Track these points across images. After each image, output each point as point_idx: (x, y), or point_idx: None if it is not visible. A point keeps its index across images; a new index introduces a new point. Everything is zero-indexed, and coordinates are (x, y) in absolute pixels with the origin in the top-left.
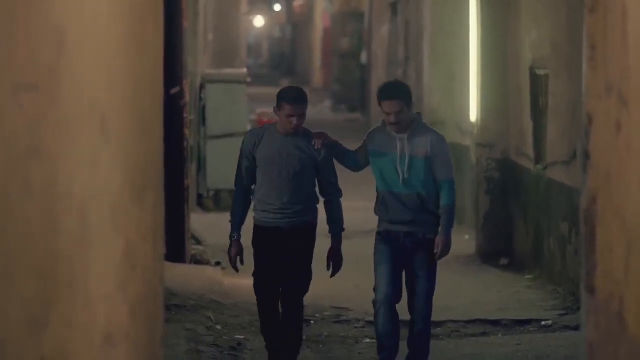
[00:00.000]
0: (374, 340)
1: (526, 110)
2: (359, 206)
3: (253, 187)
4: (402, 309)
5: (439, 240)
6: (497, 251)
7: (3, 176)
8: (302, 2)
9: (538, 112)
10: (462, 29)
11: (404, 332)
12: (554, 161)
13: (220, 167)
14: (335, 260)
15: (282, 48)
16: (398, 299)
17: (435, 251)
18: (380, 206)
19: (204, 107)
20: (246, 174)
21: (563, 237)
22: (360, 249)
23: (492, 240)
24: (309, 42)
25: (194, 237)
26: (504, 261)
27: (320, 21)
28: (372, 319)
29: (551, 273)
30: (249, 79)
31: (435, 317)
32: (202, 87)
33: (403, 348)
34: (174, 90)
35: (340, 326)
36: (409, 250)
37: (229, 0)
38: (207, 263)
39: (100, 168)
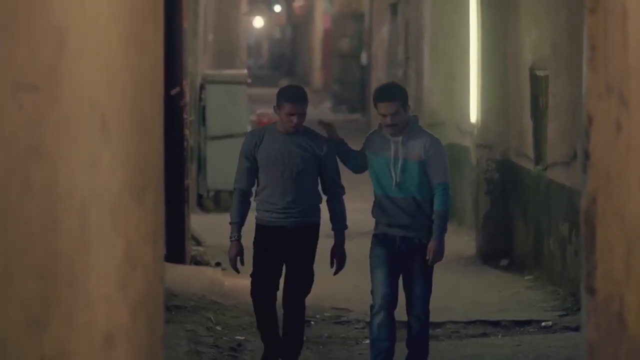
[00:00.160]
0: None
1: (526, 110)
2: (360, 207)
3: (253, 188)
4: (400, 310)
5: (431, 246)
6: (497, 252)
7: (3, 176)
8: (302, 3)
9: (538, 113)
10: (462, 29)
11: (402, 333)
12: (554, 162)
13: (221, 167)
14: (338, 257)
15: (282, 49)
16: (395, 303)
17: (427, 257)
18: (377, 209)
19: (204, 108)
20: (247, 175)
21: (563, 237)
22: (361, 250)
23: (492, 240)
24: (309, 43)
25: (194, 238)
26: (504, 262)
27: (320, 22)
28: None
29: (551, 274)
30: (249, 80)
31: (435, 317)
32: (202, 87)
33: (402, 349)
34: (174, 91)
35: (340, 327)
36: (405, 255)
37: (229, 1)
38: (207, 264)
39: (100, 168)
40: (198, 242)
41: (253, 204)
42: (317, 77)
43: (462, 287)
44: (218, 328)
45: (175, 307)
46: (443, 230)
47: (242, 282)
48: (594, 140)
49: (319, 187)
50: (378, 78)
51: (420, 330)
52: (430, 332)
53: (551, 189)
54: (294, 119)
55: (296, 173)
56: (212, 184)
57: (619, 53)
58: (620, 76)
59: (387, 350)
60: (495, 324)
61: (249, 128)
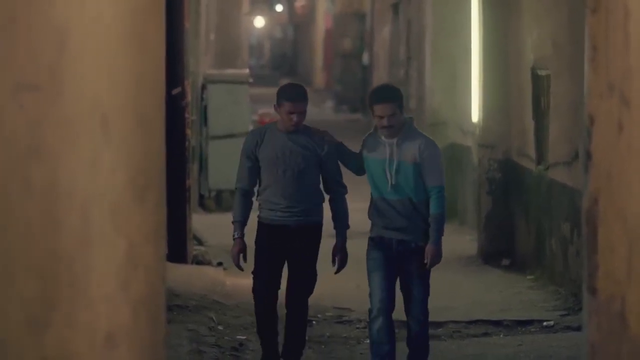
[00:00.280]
0: None
1: (528, 110)
2: (361, 207)
3: (255, 188)
4: (400, 309)
5: (428, 250)
6: (499, 251)
7: (3, 176)
8: (304, 3)
9: (539, 113)
10: (463, 29)
11: (402, 333)
12: (555, 162)
13: (222, 167)
14: (340, 257)
15: (283, 48)
16: (392, 306)
17: (425, 261)
18: (373, 211)
19: (205, 108)
20: (249, 175)
21: (565, 237)
22: (362, 250)
23: (493, 240)
24: (310, 43)
25: (195, 238)
26: (505, 261)
27: (322, 22)
28: None
29: (553, 273)
30: (250, 80)
31: (436, 317)
32: (203, 87)
33: (403, 347)
34: (175, 91)
35: (342, 326)
36: (402, 258)
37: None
38: (209, 263)
39: (101, 168)
40: (200, 242)
41: (255, 204)
42: (318, 77)
43: (463, 287)
44: (220, 328)
45: (177, 306)
46: (440, 234)
47: (243, 282)
48: (596, 140)
49: (321, 187)
50: (380, 78)
51: (420, 331)
52: (432, 331)
53: (553, 188)
54: (294, 118)
55: (297, 172)
56: (214, 184)
57: (621, 53)
58: (622, 76)
59: (388, 354)
60: (497, 323)
61: (250, 128)
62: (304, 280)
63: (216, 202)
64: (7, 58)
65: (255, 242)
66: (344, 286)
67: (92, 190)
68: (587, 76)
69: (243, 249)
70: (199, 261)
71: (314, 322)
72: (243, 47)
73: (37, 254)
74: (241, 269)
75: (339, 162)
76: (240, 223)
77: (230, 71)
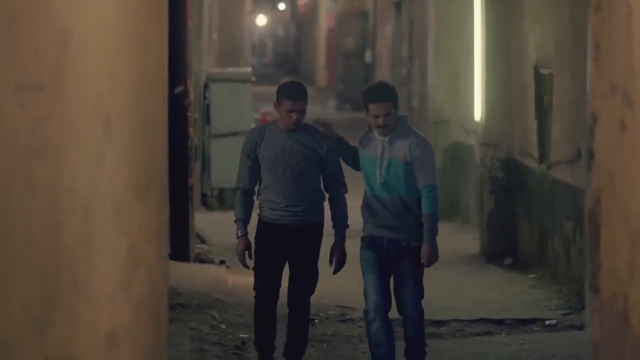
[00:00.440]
0: None
1: (530, 109)
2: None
3: (256, 187)
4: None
5: (424, 251)
6: (501, 250)
7: (5, 176)
8: (307, 2)
9: (542, 112)
10: (466, 27)
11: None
12: (558, 161)
13: (225, 166)
14: (338, 256)
15: (286, 47)
16: (389, 306)
17: (422, 261)
18: (365, 210)
19: (208, 106)
20: (249, 174)
21: (567, 236)
22: None
23: (496, 239)
24: (313, 42)
25: (198, 236)
26: (508, 260)
27: (325, 20)
28: None
29: (555, 272)
30: (253, 78)
31: (439, 316)
32: (206, 86)
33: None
34: (178, 89)
35: (344, 325)
36: (394, 258)
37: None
38: (211, 262)
39: (103, 167)
40: (202, 241)
41: (256, 203)
42: (321, 76)
43: (466, 286)
44: (222, 326)
45: (179, 305)
46: (434, 234)
47: (246, 280)
48: (598, 140)
49: (322, 186)
50: (382, 76)
51: (416, 331)
52: (435, 330)
53: (555, 188)
54: (294, 116)
55: (298, 171)
56: (216, 183)
57: (624, 52)
58: (625, 75)
59: (388, 354)
60: (499, 322)
61: (253, 126)
62: (306, 280)
63: (219, 200)
64: (9, 58)
65: (255, 241)
66: (346, 285)
67: (94, 189)
68: (589, 75)
69: (248, 247)
70: (201, 260)
71: (316, 320)
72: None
73: (39, 254)
74: (247, 266)
75: (343, 160)
76: (243, 221)
77: (232, 70)
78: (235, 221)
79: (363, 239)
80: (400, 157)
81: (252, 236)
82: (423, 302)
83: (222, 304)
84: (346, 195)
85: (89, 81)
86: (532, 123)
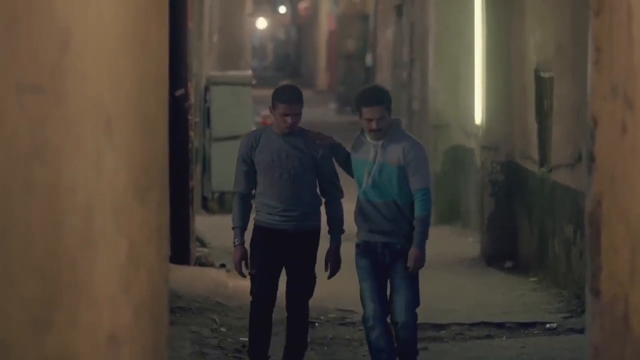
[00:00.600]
0: None
1: (531, 112)
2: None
3: (253, 191)
4: None
5: (411, 253)
6: (502, 253)
7: (6, 176)
8: (307, 4)
9: (543, 115)
10: (467, 30)
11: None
12: (558, 163)
13: (225, 169)
14: (332, 261)
15: (286, 50)
16: (387, 312)
17: (408, 265)
18: (358, 215)
19: (208, 109)
20: (245, 179)
21: (568, 239)
22: None
23: (496, 242)
24: (313, 44)
25: (198, 239)
26: (508, 263)
27: (325, 23)
28: None
29: (556, 275)
30: (253, 81)
31: (439, 319)
32: (206, 89)
33: None
34: (178, 92)
35: (344, 328)
36: (388, 262)
37: (234, 2)
38: (212, 265)
39: (104, 168)
40: (202, 244)
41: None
42: (322, 79)
43: (466, 289)
44: (222, 329)
45: (180, 308)
46: (424, 237)
47: (246, 284)
48: (599, 142)
49: (318, 190)
50: (383, 79)
51: (409, 336)
52: (435, 333)
53: (556, 190)
54: (289, 120)
55: (294, 175)
56: (217, 185)
57: (624, 54)
58: (626, 78)
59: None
60: (500, 325)
61: (253, 129)
62: (303, 285)
63: (219, 203)
64: (9, 58)
65: (252, 246)
66: (346, 288)
67: (94, 190)
68: (590, 78)
69: (245, 256)
70: (201, 263)
71: (316, 324)
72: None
73: (39, 254)
74: (243, 275)
75: (339, 165)
76: (241, 229)
77: (233, 73)
78: (232, 228)
79: (357, 245)
80: (394, 161)
81: (248, 238)
82: (423, 304)
83: (222, 308)
84: (342, 200)
85: (89, 82)
86: (533, 126)
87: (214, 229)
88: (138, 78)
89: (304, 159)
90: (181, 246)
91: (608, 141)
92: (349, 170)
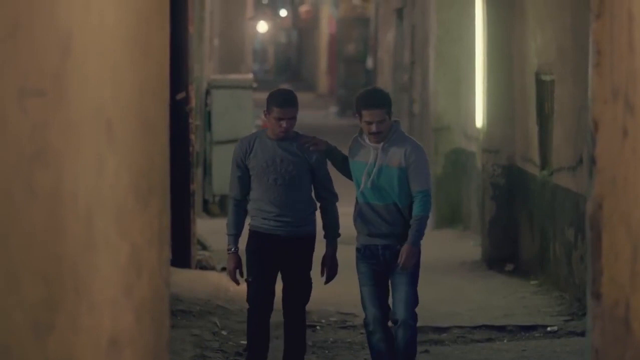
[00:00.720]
0: None
1: (532, 115)
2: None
3: (248, 196)
4: None
5: (404, 249)
6: (503, 257)
7: (8, 180)
8: (308, 8)
9: (544, 118)
10: (467, 33)
11: None
12: (559, 167)
13: (226, 172)
14: (329, 266)
15: (287, 53)
16: (387, 317)
17: (399, 261)
18: (358, 219)
19: (209, 113)
20: (240, 184)
21: (569, 242)
22: None
23: (497, 245)
24: (314, 48)
25: (199, 243)
26: (509, 267)
27: (326, 26)
28: None
29: (557, 279)
30: (254, 85)
31: (440, 322)
32: (207, 92)
33: None
34: (179, 96)
35: (346, 332)
36: (389, 262)
37: (235, 6)
38: (213, 268)
39: (105, 172)
40: (204, 247)
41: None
42: (322, 82)
43: (467, 292)
44: (223, 333)
45: (181, 311)
46: (420, 235)
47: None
48: (600, 146)
49: (313, 194)
50: (384, 82)
51: (410, 337)
52: (436, 336)
53: (557, 194)
54: (283, 124)
55: (289, 179)
56: (218, 189)
57: (625, 58)
58: (626, 81)
59: None
60: (501, 328)
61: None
62: (299, 291)
63: (220, 207)
64: (12, 63)
65: (247, 251)
66: (347, 291)
67: (95, 194)
68: (591, 81)
69: (239, 264)
70: (202, 266)
71: (318, 327)
72: (247, 52)
73: (41, 258)
74: (237, 283)
75: (336, 169)
76: (235, 236)
77: (234, 76)
78: (227, 234)
79: (358, 249)
80: (395, 164)
81: (242, 242)
82: (424, 308)
83: (223, 311)
84: (338, 204)
85: (90, 86)
86: (534, 129)
87: (215, 232)
88: (139, 82)
89: (298, 164)
90: (182, 249)
91: (609, 144)
92: (346, 173)
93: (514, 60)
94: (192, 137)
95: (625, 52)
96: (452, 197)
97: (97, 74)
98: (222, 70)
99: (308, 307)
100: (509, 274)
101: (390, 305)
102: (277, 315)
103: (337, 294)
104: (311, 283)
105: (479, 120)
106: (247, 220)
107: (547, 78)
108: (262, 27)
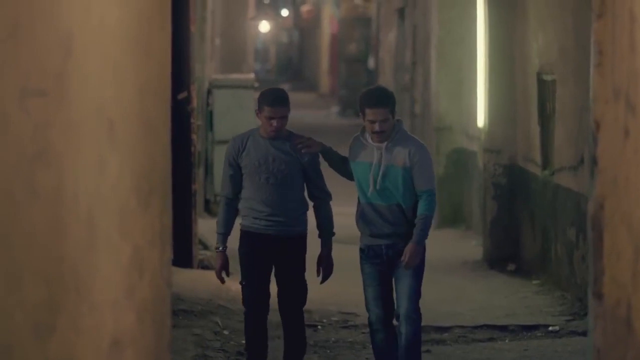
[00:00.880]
0: None
1: (533, 115)
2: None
3: (239, 196)
4: None
5: (409, 248)
6: (504, 256)
7: (9, 181)
8: (310, 8)
9: (545, 118)
10: (469, 34)
11: None
12: (561, 167)
13: None
14: (325, 266)
15: (289, 53)
16: (391, 317)
17: (402, 259)
18: (360, 220)
19: (211, 112)
20: (231, 183)
21: (570, 242)
22: None
23: (499, 245)
24: (316, 47)
25: (201, 242)
26: (511, 267)
27: (328, 26)
28: None
29: (558, 278)
30: (256, 84)
31: (442, 322)
32: (209, 92)
33: None
34: (181, 96)
35: (347, 331)
36: (392, 260)
37: (236, 6)
38: (214, 268)
39: (107, 173)
40: (205, 247)
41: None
42: (324, 82)
43: (469, 292)
44: (225, 332)
45: (183, 311)
46: (424, 234)
47: None
48: (602, 146)
49: (305, 194)
50: (385, 82)
51: (414, 333)
52: (438, 336)
53: (558, 193)
54: (274, 123)
55: (281, 179)
56: (219, 189)
57: (627, 58)
58: (628, 81)
59: None
60: (503, 328)
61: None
62: (293, 292)
63: None
64: (13, 63)
65: (240, 252)
66: (349, 291)
67: (97, 194)
68: (593, 81)
69: (225, 264)
70: (204, 266)
71: (319, 326)
72: (248, 52)
73: (42, 259)
74: (223, 281)
75: (333, 169)
76: (224, 235)
77: (235, 76)
78: (217, 233)
79: (362, 250)
80: (399, 163)
81: (234, 242)
82: (426, 307)
83: (225, 310)
84: (332, 203)
85: (92, 86)
86: (535, 129)
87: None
88: (141, 82)
89: (291, 163)
90: (184, 249)
91: (610, 144)
92: (345, 173)
93: (515, 60)
94: (194, 137)
95: (627, 52)
96: (454, 197)
97: (99, 74)
98: (223, 70)
99: (309, 306)
100: (511, 273)
101: (395, 301)
102: (276, 315)
103: (338, 294)
104: (306, 284)
105: (481, 120)
106: (238, 220)
107: (548, 78)
108: (264, 26)
